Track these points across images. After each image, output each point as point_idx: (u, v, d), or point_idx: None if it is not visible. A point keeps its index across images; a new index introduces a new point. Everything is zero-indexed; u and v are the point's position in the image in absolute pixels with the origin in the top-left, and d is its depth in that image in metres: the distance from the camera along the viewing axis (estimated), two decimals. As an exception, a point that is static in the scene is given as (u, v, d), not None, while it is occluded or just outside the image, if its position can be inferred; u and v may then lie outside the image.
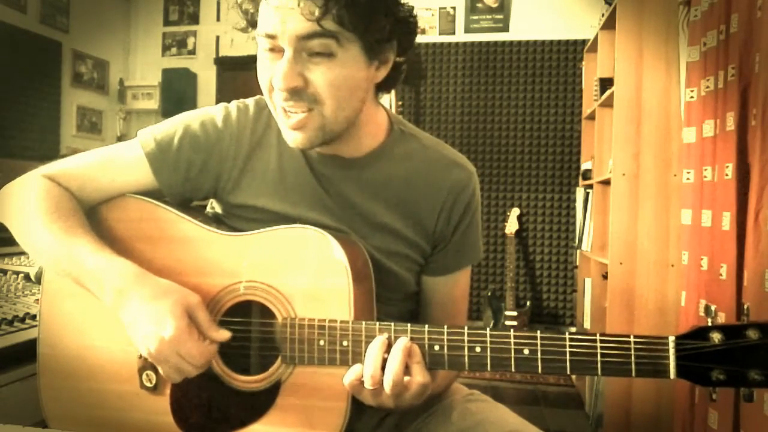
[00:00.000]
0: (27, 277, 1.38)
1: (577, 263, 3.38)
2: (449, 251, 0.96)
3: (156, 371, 0.82)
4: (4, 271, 1.41)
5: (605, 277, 2.54)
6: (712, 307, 0.69)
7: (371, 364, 0.74)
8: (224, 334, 0.79)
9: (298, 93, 0.78)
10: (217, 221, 0.94)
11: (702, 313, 0.70)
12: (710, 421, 1.79)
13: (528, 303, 3.46)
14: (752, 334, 0.65)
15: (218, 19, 4.05)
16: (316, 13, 0.73)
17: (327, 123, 0.81)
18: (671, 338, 0.68)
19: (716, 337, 0.66)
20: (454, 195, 0.94)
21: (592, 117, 3.12)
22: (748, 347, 0.65)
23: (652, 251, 2.30)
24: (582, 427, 2.57)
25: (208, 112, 0.93)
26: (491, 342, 0.74)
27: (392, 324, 0.77)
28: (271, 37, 0.77)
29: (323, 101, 0.79)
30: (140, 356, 0.84)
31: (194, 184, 0.92)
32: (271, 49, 0.78)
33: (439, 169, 0.95)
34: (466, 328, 0.75)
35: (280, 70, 0.76)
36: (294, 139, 0.82)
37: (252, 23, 0.81)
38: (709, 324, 0.68)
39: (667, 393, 2.16)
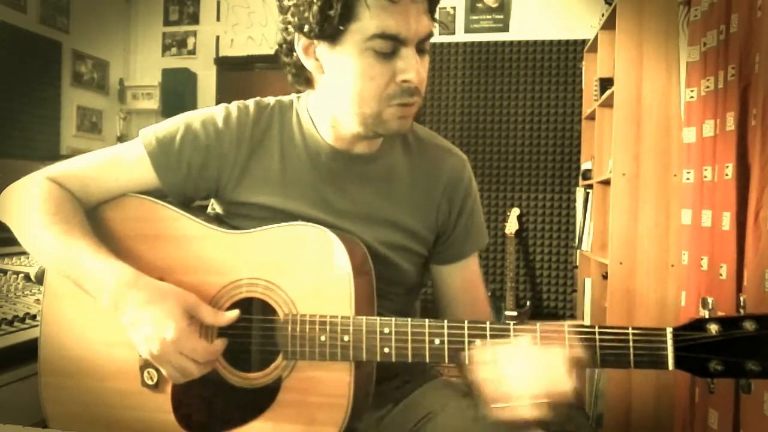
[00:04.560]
0: (27, 277, 1.38)
1: (577, 263, 3.38)
2: (457, 237, 0.99)
3: (158, 369, 0.82)
4: (4, 271, 1.41)
5: (605, 277, 2.54)
6: (709, 300, 0.70)
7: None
8: (232, 314, 0.80)
9: (417, 86, 0.83)
10: (218, 221, 0.94)
11: (700, 305, 0.70)
12: (710, 420, 1.79)
13: (528, 303, 3.46)
14: (749, 326, 0.66)
15: (218, 19, 4.04)
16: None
17: (417, 110, 0.88)
18: (669, 330, 0.69)
19: (714, 328, 0.67)
20: (453, 182, 0.97)
21: (592, 117, 3.12)
22: (745, 338, 0.66)
23: (652, 251, 2.30)
24: (582, 427, 2.57)
25: (209, 111, 0.94)
26: (491, 335, 0.75)
27: (393, 319, 0.78)
28: (393, 38, 0.79)
29: (422, 92, 0.86)
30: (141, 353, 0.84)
31: (195, 183, 0.93)
32: (378, 52, 0.80)
33: (436, 159, 0.98)
34: (466, 322, 0.76)
35: (414, 64, 0.81)
36: (401, 126, 0.86)
37: (333, 29, 0.79)
38: (707, 316, 0.68)
39: (667, 393, 2.16)
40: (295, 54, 0.88)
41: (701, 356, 0.67)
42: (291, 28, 0.85)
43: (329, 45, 0.82)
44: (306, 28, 0.82)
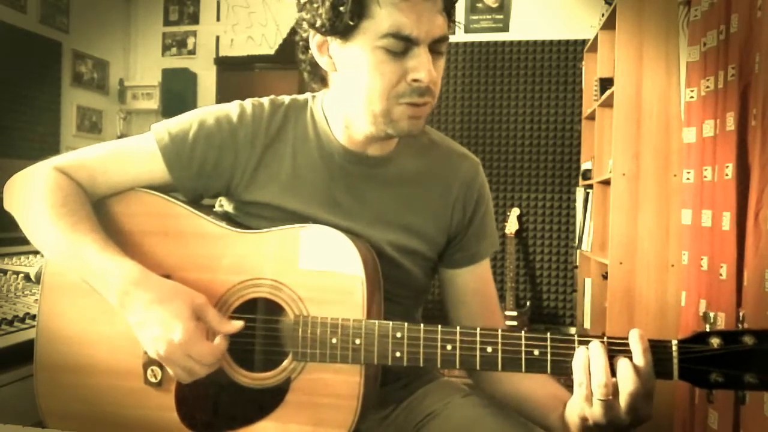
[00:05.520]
0: (27, 277, 1.38)
1: (577, 263, 3.38)
2: (470, 241, 0.98)
3: (162, 366, 0.82)
4: (4, 271, 1.41)
5: (605, 277, 2.54)
6: (711, 314, 0.74)
7: (600, 371, 0.69)
8: (236, 324, 0.79)
9: (429, 86, 0.82)
10: (227, 219, 0.93)
11: (701, 319, 0.72)
12: (710, 421, 1.79)
13: (528, 303, 3.46)
14: (748, 340, 0.69)
15: (218, 19, 4.04)
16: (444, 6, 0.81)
17: (430, 111, 0.87)
18: (674, 342, 0.71)
19: (715, 341, 0.70)
20: (466, 186, 0.98)
21: (592, 117, 3.12)
22: (744, 352, 0.68)
23: (652, 251, 2.30)
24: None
25: (223, 108, 0.94)
26: (502, 342, 0.75)
27: (405, 323, 0.78)
28: (405, 39, 0.78)
29: (436, 93, 0.85)
30: (145, 352, 0.83)
31: (207, 180, 0.92)
32: (390, 50, 0.79)
33: (450, 163, 0.98)
34: (478, 329, 0.76)
35: (425, 64, 0.80)
36: (412, 127, 0.85)
37: (344, 25, 0.79)
38: (708, 329, 0.71)
39: (667, 393, 2.16)
40: (310, 52, 0.88)
41: (703, 368, 0.70)
42: (306, 25, 0.86)
43: (341, 42, 0.82)
44: (318, 23, 0.82)
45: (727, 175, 1.75)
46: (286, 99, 0.97)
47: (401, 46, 0.79)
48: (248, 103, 0.94)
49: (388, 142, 0.93)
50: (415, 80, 0.81)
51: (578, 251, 3.33)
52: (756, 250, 1.57)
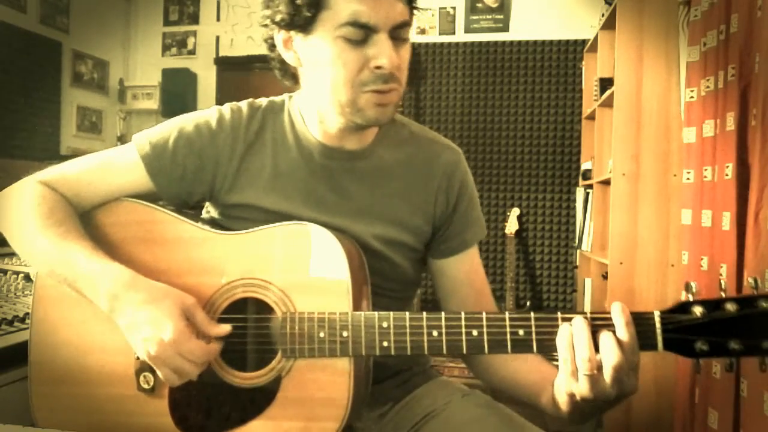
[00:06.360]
0: (27, 277, 1.38)
1: (577, 263, 3.38)
2: (455, 230, 0.99)
3: (154, 372, 0.82)
4: (4, 271, 1.41)
5: (605, 277, 2.54)
6: (693, 284, 0.72)
7: (584, 346, 0.70)
8: (224, 328, 0.80)
9: (393, 72, 0.82)
10: (212, 225, 0.94)
11: (684, 289, 0.73)
12: (710, 421, 1.79)
13: (528, 303, 3.46)
14: (730, 307, 0.69)
15: (218, 19, 4.04)
16: None
17: (398, 99, 0.87)
18: (657, 313, 0.71)
19: (698, 310, 0.70)
20: (448, 175, 0.98)
21: (592, 117, 3.12)
22: (727, 320, 0.68)
23: (652, 251, 2.30)
24: (582, 427, 2.57)
25: (202, 114, 0.95)
26: (487, 325, 0.75)
27: (391, 313, 0.78)
28: (363, 26, 0.79)
29: (401, 80, 0.85)
30: (137, 358, 0.83)
31: (190, 186, 0.93)
32: (350, 39, 0.80)
33: (431, 153, 0.99)
34: (462, 313, 0.76)
35: (386, 50, 0.80)
36: (379, 115, 0.85)
37: (303, 18, 0.81)
38: (690, 299, 0.71)
39: (667, 393, 2.16)
40: (277, 49, 0.90)
41: (687, 337, 0.70)
42: (269, 22, 0.87)
43: (303, 35, 0.84)
44: (278, 18, 0.83)
45: (727, 175, 1.75)
46: (263, 102, 0.98)
47: (361, 34, 0.80)
48: (227, 108, 0.95)
49: (365, 135, 0.94)
50: (377, 67, 0.81)
51: (578, 251, 3.33)
52: (756, 250, 1.57)
